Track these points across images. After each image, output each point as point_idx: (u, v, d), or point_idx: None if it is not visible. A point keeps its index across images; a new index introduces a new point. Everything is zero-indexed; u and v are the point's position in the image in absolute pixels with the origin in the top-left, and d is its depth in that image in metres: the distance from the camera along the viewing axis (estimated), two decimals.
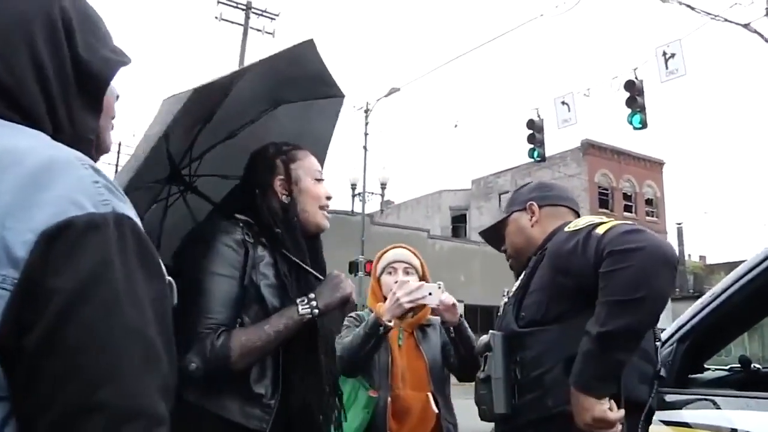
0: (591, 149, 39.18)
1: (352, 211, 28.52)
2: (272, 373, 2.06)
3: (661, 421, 2.45)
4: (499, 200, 42.33)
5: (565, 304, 2.08)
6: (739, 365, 2.99)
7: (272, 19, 26.11)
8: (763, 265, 2.53)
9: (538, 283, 2.18)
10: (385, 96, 27.45)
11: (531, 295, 2.19)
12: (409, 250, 3.20)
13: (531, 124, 18.48)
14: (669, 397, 2.51)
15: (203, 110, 2.20)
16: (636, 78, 15.94)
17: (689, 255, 43.04)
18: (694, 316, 2.65)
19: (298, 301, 2.07)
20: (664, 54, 15.39)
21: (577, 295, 2.03)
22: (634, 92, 15.89)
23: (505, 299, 2.33)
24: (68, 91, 1.07)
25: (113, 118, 1.26)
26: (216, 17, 25.06)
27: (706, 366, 2.95)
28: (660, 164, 43.18)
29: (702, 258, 52.31)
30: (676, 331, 2.67)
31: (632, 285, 1.82)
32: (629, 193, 40.52)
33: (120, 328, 0.87)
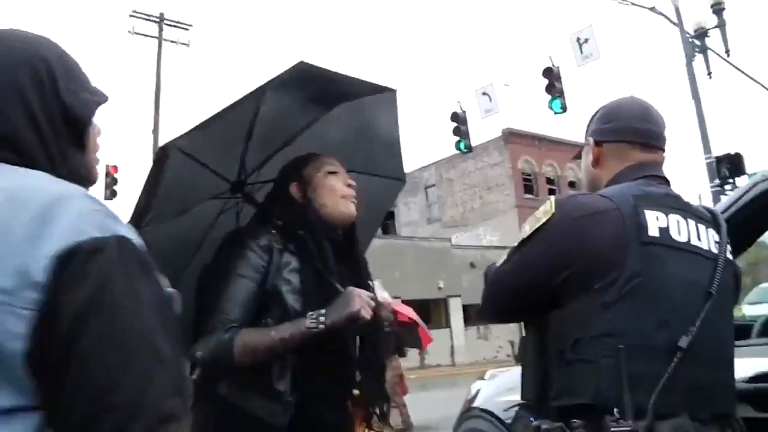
0: (512, 137, 39.85)
1: None
2: (291, 372, 2.15)
3: None
4: (426, 194, 42.71)
5: None
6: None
7: (186, 29, 25.96)
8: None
9: None
10: (288, 69, 27.40)
11: None
12: None
13: (455, 116, 18.78)
14: None
15: (234, 132, 2.35)
16: (553, 64, 16.39)
17: None
18: None
19: (308, 314, 2.13)
20: (578, 39, 15.88)
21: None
22: (552, 78, 16.34)
23: None
24: (59, 134, 1.18)
25: (98, 151, 1.35)
26: (129, 31, 24.81)
27: None
28: (580, 147, 43.93)
29: None
30: None
31: None
32: (552, 177, 41.33)
33: (126, 334, 0.97)
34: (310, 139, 2.60)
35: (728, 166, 15.33)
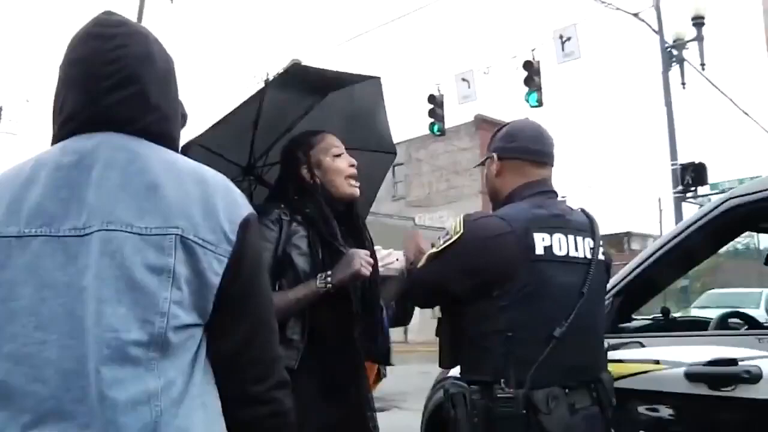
0: (483, 124, 40.12)
1: None
2: (301, 323, 2.48)
3: None
4: (393, 171, 42.92)
5: None
6: (660, 314, 3.66)
7: None
8: (678, 238, 3.17)
9: None
10: (284, 68, 27.59)
11: None
12: None
13: (432, 99, 18.96)
14: (606, 342, 3.12)
15: (242, 124, 2.71)
16: (533, 58, 16.70)
17: None
18: (626, 276, 3.28)
19: (317, 276, 2.47)
20: (561, 37, 16.17)
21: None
22: (532, 72, 16.60)
23: None
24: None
25: None
26: None
27: (633, 316, 3.59)
28: None
29: None
30: (612, 288, 3.29)
31: None
32: None
33: (267, 286, 1.50)
34: (308, 124, 2.93)
35: (692, 174, 15.96)
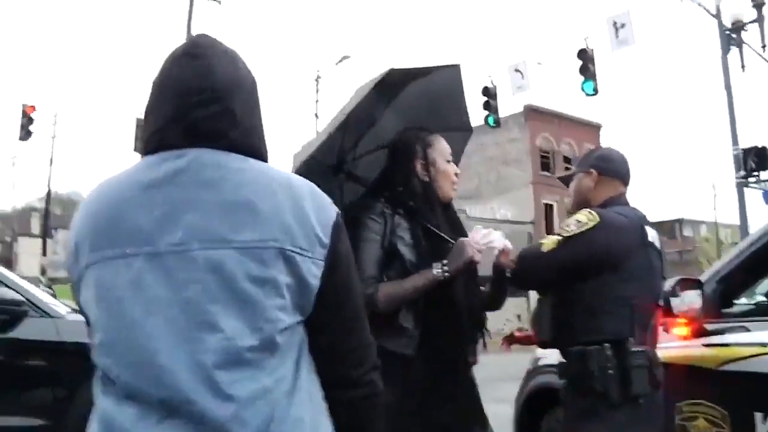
0: (532, 114, 40.07)
1: None
2: (414, 312, 2.61)
3: (703, 345, 3.16)
4: None
5: None
6: (765, 298, 3.73)
7: None
8: None
9: None
10: (336, 64, 27.93)
11: None
12: None
13: (486, 91, 19.03)
14: (710, 327, 3.21)
15: (334, 128, 2.79)
16: (588, 47, 16.65)
17: None
18: (728, 263, 3.37)
19: (434, 264, 2.59)
20: (615, 24, 16.08)
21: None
22: (586, 60, 16.58)
23: None
24: None
25: None
26: None
27: (734, 302, 3.66)
28: (597, 127, 44.47)
29: None
30: (715, 274, 3.38)
31: None
32: (569, 156, 41.54)
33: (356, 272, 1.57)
34: (392, 112, 3.04)
35: (754, 159, 15.79)
